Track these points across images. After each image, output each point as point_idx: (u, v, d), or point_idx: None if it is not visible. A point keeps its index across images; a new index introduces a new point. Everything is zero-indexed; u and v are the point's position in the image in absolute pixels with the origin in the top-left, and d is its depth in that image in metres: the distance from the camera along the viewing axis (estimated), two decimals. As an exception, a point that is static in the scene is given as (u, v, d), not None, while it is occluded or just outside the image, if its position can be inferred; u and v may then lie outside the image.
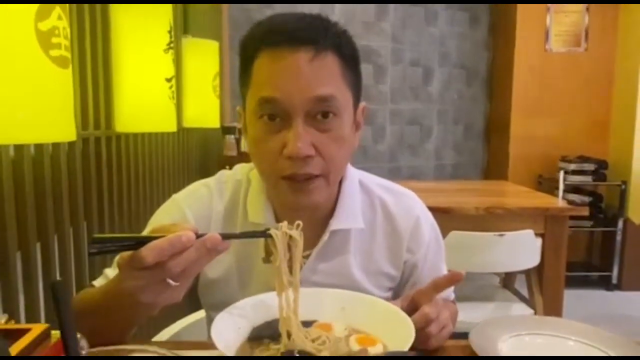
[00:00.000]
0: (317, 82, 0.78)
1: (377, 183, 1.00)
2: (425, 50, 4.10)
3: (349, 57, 0.83)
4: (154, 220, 0.95)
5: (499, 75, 4.32)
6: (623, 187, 3.78)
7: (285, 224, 0.73)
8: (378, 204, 0.97)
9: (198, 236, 0.63)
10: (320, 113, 0.79)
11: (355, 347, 0.74)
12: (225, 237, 0.65)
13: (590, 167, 3.89)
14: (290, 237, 0.73)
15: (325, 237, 0.90)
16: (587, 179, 3.88)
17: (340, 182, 0.93)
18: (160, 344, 0.97)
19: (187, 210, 0.93)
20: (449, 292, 1.03)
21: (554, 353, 0.82)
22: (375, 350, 0.73)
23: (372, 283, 0.95)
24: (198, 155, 2.44)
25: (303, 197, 0.83)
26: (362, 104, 0.89)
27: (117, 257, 0.65)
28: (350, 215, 0.92)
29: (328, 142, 0.80)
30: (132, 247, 0.61)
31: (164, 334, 1.22)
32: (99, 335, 0.81)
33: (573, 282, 3.12)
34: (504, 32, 4.21)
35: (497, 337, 0.84)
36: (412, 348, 0.68)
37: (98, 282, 0.91)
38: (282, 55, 0.77)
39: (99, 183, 1.45)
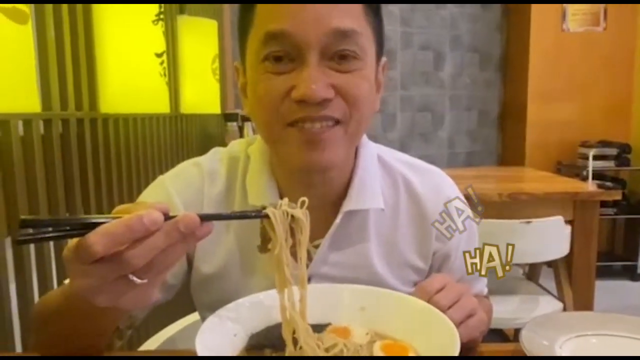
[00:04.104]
0: (337, 12, 0.64)
1: (398, 159, 0.85)
2: (435, 33, 3.94)
3: None
4: None
5: (514, 58, 4.15)
6: (648, 171, 3.60)
7: (285, 200, 0.57)
8: (401, 182, 0.82)
9: (168, 218, 0.48)
10: (339, 54, 0.65)
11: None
12: (206, 218, 0.49)
13: (612, 151, 3.71)
14: (293, 218, 0.57)
15: (338, 219, 0.75)
16: (610, 164, 3.70)
17: (356, 152, 0.78)
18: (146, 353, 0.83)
19: (175, 195, 0.78)
20: (482, 287, 0.90)
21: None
22: (407, 361, 0.58)
23: (396, 277, 0.80)
24: (198, 143, 2.29)
25: (316, 154, 0.67)
26: (384, 60, 0.74)
27: (65, 249, 0.49)
28: (367, 193, 0.77)
29: (351, 81, 0.66)
30: (79, 234, 0.46)
31: (156, 340, 1.09)
32: (65, 343, 0.67)
33: (595, 273, 2.97)
34: (518, 13, 4.04)
35: (554, 338, 0.69)
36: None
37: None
38: None
39: (83, 172, 1.30)
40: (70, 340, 0.67)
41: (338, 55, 0.65)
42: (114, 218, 0.46)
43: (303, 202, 0.57)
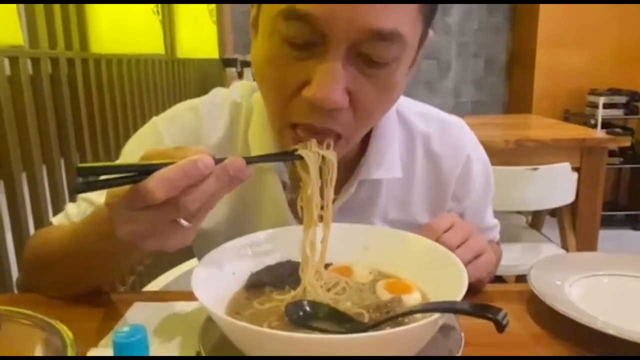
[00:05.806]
0: (383, 7, 0.51)
1: (417, 112, 0.79)
2: (442, -24, 3.77)
3: None
4: (128, 150, 0.76)
5: (524, 2, 3.97)
6: (657, 120, 3.53)
7: (314, 142, 0.56)
8: (419, 142, 0.77)
9: (216, 161, 0.46)
10: (369, 58, 0.53)
11: (384, 296, 0.57)
12: (249, 161, 0.48)
13: (621, 99, 3.63)
14: (323, 159, 0.56)
15: (352, 189, 0.71)
16: (619, 112, 3.62)
17: None
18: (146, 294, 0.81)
19: (168, 139, 0.73)
20: (494, 233, 0.88)
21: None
22: (411, 299, 0.56)
23: None
24: (195, 89, 2.23)
25: None
26: (431, 33, 0.61)
27: (107, 196, 0.47)
28: (385, 161, 0.72)
29: (371, 92, 0.56)
30: (131, 180, 0.44)
31: (156, 284, 1.08)
32: (73, 284, 0.65)
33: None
34: (530, -47, 3.84)
35: (564, 278, 0.67)
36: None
37: (58, 220, 0.73)
38: None
39: (76, 114, 1.26)
40: (81, 281, 0.65)
41: (367, 57, 0.53)
42: (164, 164, 0.44)
43: (329, 145, 0.57)
